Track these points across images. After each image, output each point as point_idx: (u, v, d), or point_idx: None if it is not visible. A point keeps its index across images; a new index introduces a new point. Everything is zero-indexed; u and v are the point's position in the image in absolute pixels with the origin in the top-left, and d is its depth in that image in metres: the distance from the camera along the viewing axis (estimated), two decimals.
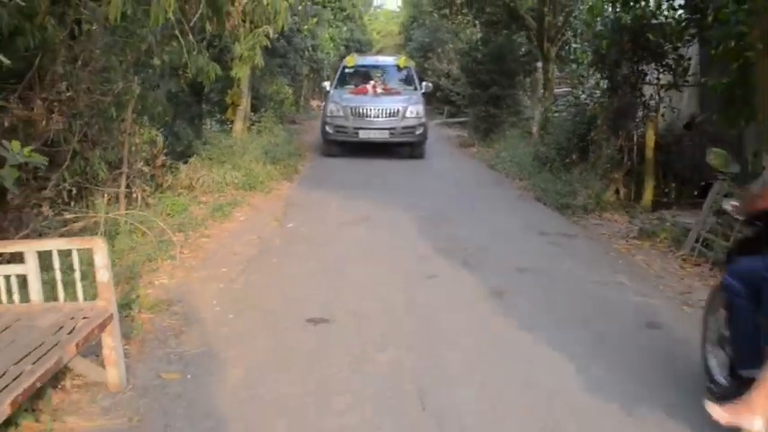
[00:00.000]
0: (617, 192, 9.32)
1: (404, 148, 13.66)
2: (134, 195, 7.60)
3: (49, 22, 6.14)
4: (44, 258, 3.59)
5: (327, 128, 13.40)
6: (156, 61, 8.55)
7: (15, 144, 5.01)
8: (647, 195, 8.95)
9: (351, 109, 13.27)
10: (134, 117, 7.80)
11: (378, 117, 13.23)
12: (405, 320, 4.60)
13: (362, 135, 13.14)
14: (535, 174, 10.71)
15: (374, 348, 4.08)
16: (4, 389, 2.63)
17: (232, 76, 9.80)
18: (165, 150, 8.58)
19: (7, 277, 3.49)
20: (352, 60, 15.78)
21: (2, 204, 5.72)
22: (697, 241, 6.57)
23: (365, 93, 14.16)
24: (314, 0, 16.67)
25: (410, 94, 14.36)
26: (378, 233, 7.24)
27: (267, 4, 8.38)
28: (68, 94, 6.51)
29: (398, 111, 13.28)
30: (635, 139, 9.41)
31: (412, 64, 16.77)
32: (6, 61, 3.95)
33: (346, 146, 13.53)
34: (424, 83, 15.38)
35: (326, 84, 15.17)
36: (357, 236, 7.12)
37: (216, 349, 4.05)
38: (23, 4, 4.59)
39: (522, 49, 18.49)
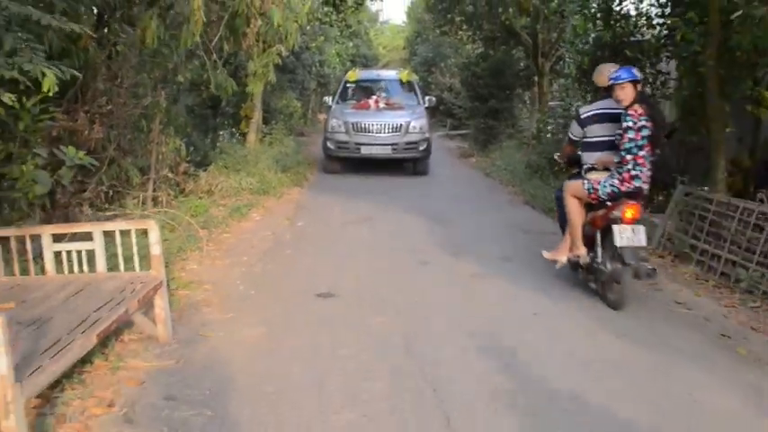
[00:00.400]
0: None
1: (407, 163, 13.53)
2: (160, 199, 8.48)
3: (90, 44, 7.06)
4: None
5: (329, 143, 13.13)
6: (180, 78, 9.48)
7: (71, 149, 5.98)
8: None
9: (352, 124, 12.95)
10: (160, 128, 8.69)
11: (380, 132, 12.94)
12: (396, 293, 5.50)
13: (364, 151, 12.88)
14: (526, 180, 11.55)
15: (370, 314, 4.96)
16: (90, 326, 3.51)
17: (247, 91, 10.73)
18: (188, 158, 9.50)
19: (78, 252, 4.38)
20: (354, 75, 15.38)
21: (51, 203, 6.60)
22: (663, 237, 7.42)
23: (367, 108, 13.78)
24: (321, 20, 17.44)
25: (413, 109, 13.89)
26: (379, 231, 8.13)
27: (279, 26, 9.35)
28: (108, 107, 7.45)
29: (401, 126, 12.96)
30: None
31: (415, 78, 16.33)
32: (78, 74, 4.87)
33: (348, 162, 13.36)
34: (427, 97, 14.95)
35: (328, 99, 14.90)
36: (360, 233, 8.00)
37: (242, 316, 4.93)
38: (77, 31, 5.42)
39: (522, 64, 19.40)
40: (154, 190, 8.44)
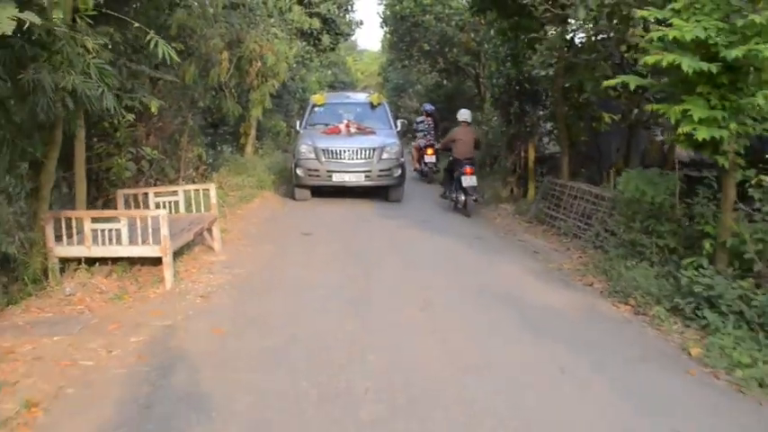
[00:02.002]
0: (511, 191, 13.75)
1: (380, 190, 12.93)
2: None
3: (147, 81, 10.59)
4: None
5: (298, 171, 12.51)
6: (201, 104, 13.03)
7: (147, 149, 9.48)
8: (530, 193, 13.35)
9: (323, 150, 12.42)
10: (187, 140, 12.21)
11: (352, 159, 12.43)
12: (349, 232, 9.10)
13: (336, 178, 12.37)
14: None
15: (333, 241, 8.55)
16: (188, 230, 7.05)
17: (251, 114, 14.33)
18: (208, 162, 13.02)
19: (169, 202, 7.90)
20: (322, 98, 14.75)
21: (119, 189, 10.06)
22: (535, 210, 11.06)
23: (338, 132, 13.20)
24: (304, 57, 20.97)
25: (386, 134, 13.42)
26: (342, 208, 11.76)
27: (273, 66, 12.96)
28: (159, 124, 10.95)
29: (374, 151, 12.47)
30: (522, 155, 13.88)
31: (383, 100, 15.53)
32: (164, 104, 8.40)
33: (318, 190, 12.85)
34: (399, 121, 14.66)
35: (297, 123, 14.36)
36: (330, 208, 11.65)
37: (258, 242, 8.51)
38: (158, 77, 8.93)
39: (475, 91, 23.17)
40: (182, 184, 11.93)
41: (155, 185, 11.01)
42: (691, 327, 5.47)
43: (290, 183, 14.40)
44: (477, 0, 10.71)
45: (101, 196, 9.01)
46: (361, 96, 16.13)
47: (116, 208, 7.85)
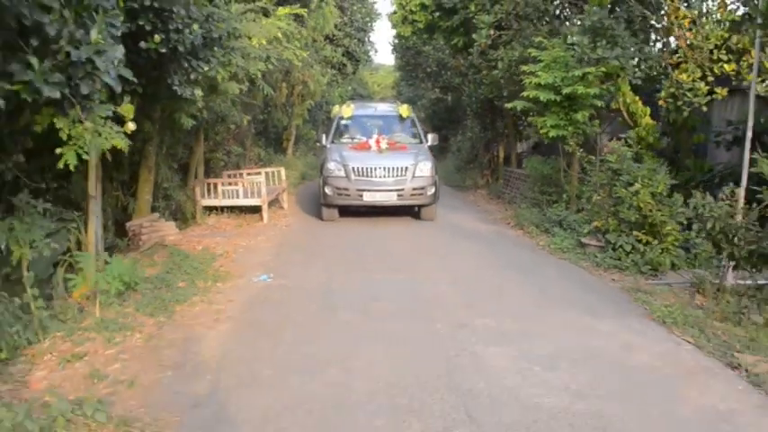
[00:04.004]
0: (487, 181, 18.63)
1: (411, 208, 12.53)
2: None
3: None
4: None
5: (327, 189, 11.98)
6: (260, 117, 18.04)
7: (234, 147, 14.52)
8: (500, 181, 18.24)
9: (354, 168, 11.91)
10: (250, 143, 17.25)
11: (384, 177, 11.90)
12: (369, 216, 14.07)
13: (367, 198, 11.93)
14: (451, 175, 20.12)
15: (355, 224, 13.51)
16: (273, 192, 12.05)
17: (290, 124, 19.40)
18: (261, 160, 18.06)
19: (255, 179, 12.89)
20: (350, 110, 14.04)
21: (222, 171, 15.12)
22: (499, 191, 15.95)
23: (368, 148, 12.58)
24: (332, 80, 25.95)
25: (417, 149, 12.75)
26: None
27: (311, 89, 17.98)
28: (236, 131, 15.94)
29: (407, 169, 11.91)
30: (494, 153, 18.77)
31: (412, 112, 14.66)
32: (249, 119, 13.41)
33: (346, 210, 12.45)
34: (430, 135, 13.66)
35: (323, 138, 13.51)
36: None
37: (310, 205, 13.49)
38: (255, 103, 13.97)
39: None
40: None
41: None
42: (547, 236, 10.33)
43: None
44: (452, 47, 15.58)
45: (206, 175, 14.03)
46: (389, 108, 15.05)
47: None
